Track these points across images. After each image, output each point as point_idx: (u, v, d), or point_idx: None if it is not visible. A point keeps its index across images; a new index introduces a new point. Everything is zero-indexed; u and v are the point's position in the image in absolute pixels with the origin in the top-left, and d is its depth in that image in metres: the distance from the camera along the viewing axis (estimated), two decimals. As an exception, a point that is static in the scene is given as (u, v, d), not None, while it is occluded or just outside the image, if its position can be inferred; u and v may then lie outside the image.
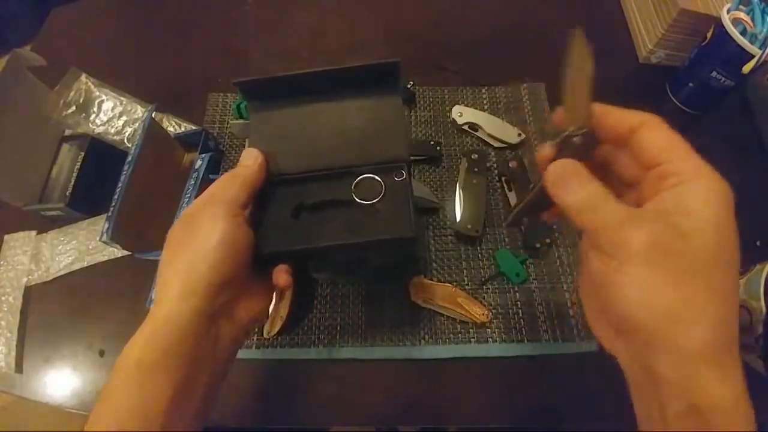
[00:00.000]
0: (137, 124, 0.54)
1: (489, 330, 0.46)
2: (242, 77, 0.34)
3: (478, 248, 0.50)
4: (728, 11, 0.51)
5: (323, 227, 0.33)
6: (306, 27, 0.68)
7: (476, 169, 0.52)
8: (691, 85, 0.58)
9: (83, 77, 0.55)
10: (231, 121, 0.56)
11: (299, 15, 0.69)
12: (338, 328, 0.46)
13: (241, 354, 0.44)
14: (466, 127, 0.57)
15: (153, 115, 0.49)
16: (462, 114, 0.56)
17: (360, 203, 0.34)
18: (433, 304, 0.46)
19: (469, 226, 0.49)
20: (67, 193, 0.50)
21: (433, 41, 0.66)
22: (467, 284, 0.48)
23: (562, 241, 0.50)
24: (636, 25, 0.66)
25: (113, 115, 0.55)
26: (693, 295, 0.20)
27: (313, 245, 0.33)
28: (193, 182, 0.48)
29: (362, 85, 0.35)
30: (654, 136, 0.23)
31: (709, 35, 0.54)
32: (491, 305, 0.47)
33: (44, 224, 0.52)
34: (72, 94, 0.54)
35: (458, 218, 0.50)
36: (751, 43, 0.50)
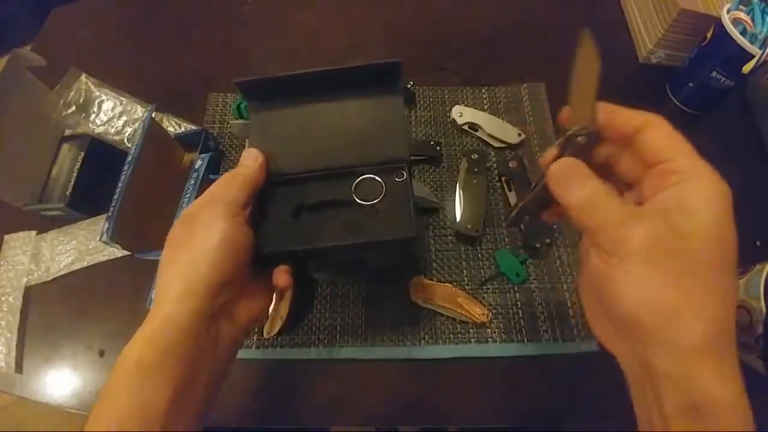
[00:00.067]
0: (137, 124, 0.54)
1: (489, 330, 0.46)
2: (242, 77, 0.34)
3: (478, 248, 0.50)
4: (728, 11, 0.51)
5: (323, 227, 0.33)
6: (306, 27, 0.68)
7: (476, 169, 0.52)
8: (691, 85, 0.58)
9: (83, 77, 0.55)
10: (231, 121, 0.56)
11: (299, 15, 0.69)
12: (338, 328, 0.46)
13: (241, 354, 0.44)
14: (466, 127, 0.57)
15: (153, 115, 0.49)
16: (462, 114, 0.56)
17: (360, 203, 0.34)
18: (433, 304, 0.46)
19: (469, 226, 0.49)
20: (67, 193, 0.50)
21: (433, 41, 0.66)
22: (467, 284, 0.48)
23: (562, 241, 0.50)
24: (636, 25, 0.66)
25: (113, 115, 0.55)
26: (692, 293, 0.20)
27: (313, 245, 0.33)
28: (193, 182, 0.48)
29: (363, 85, 0.35)
30: (657, 136, 0.23)
31: (709, 35, 0.54)
32: (491, 305, 0.47)
33: (44, 224, 0.52)
34: (72, 94, 0.54)
35: (458, 218, 0.50)
36: (751, 43, 0.50)
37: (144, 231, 0.46)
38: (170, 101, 0.58)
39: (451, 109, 0.57)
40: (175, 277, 0.28)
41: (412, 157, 0.40)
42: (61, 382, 0.46)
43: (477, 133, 0.57)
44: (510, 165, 0.53)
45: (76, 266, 0.50)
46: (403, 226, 0.33)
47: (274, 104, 0.36)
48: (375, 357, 0.45)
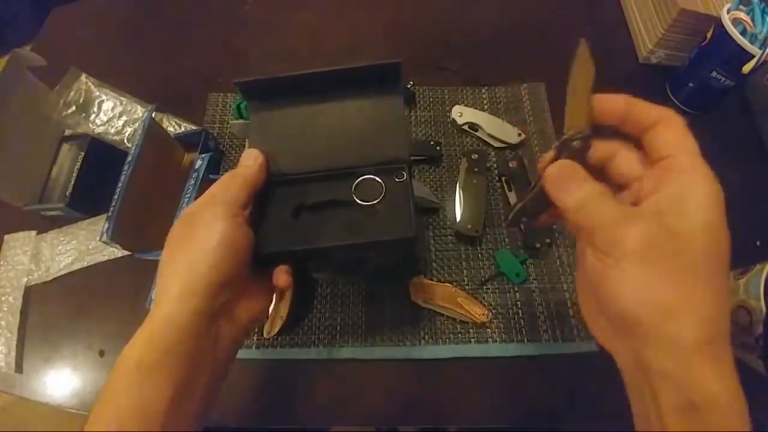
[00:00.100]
0: (137, 124, 0.54)
1: (489, 330, 0.46)
2: (242, 77, 0.34)
3: (478, 248, 0.50)
4: (728, 11, 0.51)
5: (323, 228, 0.33)
6: (306, 27, 0.68)
7: (476, 169, 0.52)
8: (691, 85, 0.58)
9: (83, 77, 0.55)
10: (231, 121, 0.56)
11: (299, 15, 0.69)
12: (338, 328, 0.46)
13: (241, 354, 0.44)
14: (466, 127, 0.57)
15: (153, 115, 0.49)
16: (462, 114, 0.56)
17: (360, 204, 0.34)
18: (433, 304, 0.46)
19: (469, 226, 0.49)
20: (67, 193, 0.50)
21: (433, 41, 0.66)
22: (467, 284, 0.48)
23: (562, 241, 0.50)
24: (636, 25, 0.66)
25: (113, 115, 0.55)
26: (688, 292, 0.21)
27: (313, 246, 0.33)
28: (193, 182, 0.48)
29: (363, 86, 0.35)
30: (669, 132, 0.24)
31: (709, 35, 0.54)
32: (491, 305, 0.47)
33: (44, 224, 0.52)
34: (72, 94, 0.54)
35: (458, 218, 0.50)
36: (751, 43, 0.50)
37: (144, 231, 0.46)
38: (170, 101, 0.58)
39: (451, 109, 0.57)
40: (175, 277, 0.28)
41: (412, 157, 0.40)
42: (61, 382, 0.46)
43: (477, 133, 0.57)
44: (510, 165, 0.53)
45: (76, 266, 0.50)
46: (403, 226, 0.33)
47: (274, 104, 0.36)
48: (375, 357, 0.45)
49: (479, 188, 0.51)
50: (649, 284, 0.21)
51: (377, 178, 0.34)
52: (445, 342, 0.46)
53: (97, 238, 0.49)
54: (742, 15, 0.51)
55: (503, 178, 0.53)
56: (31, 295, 0.49)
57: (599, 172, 0.26)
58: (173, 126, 0.57)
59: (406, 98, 0.59)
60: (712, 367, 0.20)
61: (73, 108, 0.53)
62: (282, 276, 0.33)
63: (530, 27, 0.67)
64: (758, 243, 0.51)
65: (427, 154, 0.55)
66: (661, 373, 0.21)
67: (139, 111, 0.55)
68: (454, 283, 0.48)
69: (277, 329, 0.44)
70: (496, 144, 0.56)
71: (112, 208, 0.44)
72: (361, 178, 0.34)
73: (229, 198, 0.30)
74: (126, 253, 0.48)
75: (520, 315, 0.47)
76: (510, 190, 0.53)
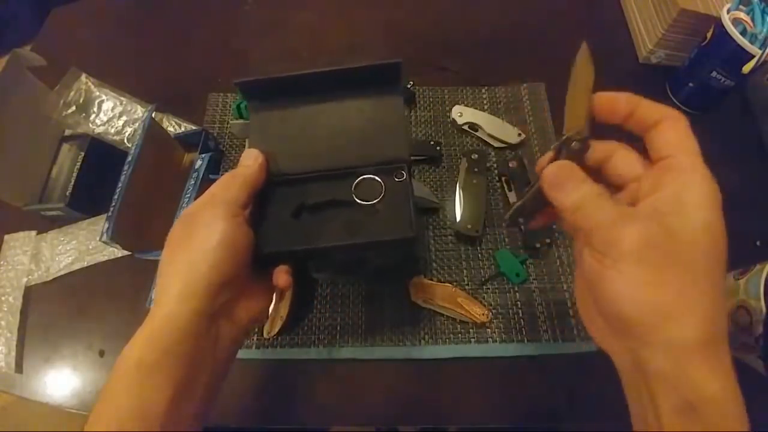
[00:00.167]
0: (137, 124, 0.54)
1: (489, 330, 0.46)
2: (242, 77, 0.34)
3: (478, 248, 0.50)
4: (728, 11, 0.51)
5: (323, 227, 0.33)
6: (306, 27, 0.68)
7: (476, 169, 0.52)
8: (691, 85, 0.58)
9: (83, 77, 0.55)
10: (231, 121, 0.56)
11: (299, 15, 0.69)
12: (338, 328, 0.46)
13: (241, 354, 0.44)
14: (466, 127, 0.57)
15: (153, 115, 0.49)
16: (462, 114, 0.56)
17: (360, 203, 0.34)
18: (433, 304, 0.46)
19: (469, 226, 0.49)
20: (67, 193, 0.50)
21: (433, 41, 0.66)
22: (467, 284, 0.48)
23: (562, 241, 0.50)
24: (636, 25, 0.66)
25: (113, 115, 0.55)
26: (685, 293, 0.20)
27: (313, 246, 0.33)
28: (193, 182, 0.48)
29: (363, 86, 0.35)
30: (671, 132, 0.24)
31: (709, 35, 0.54)
32: (491, 305, 0.47)
33: (44, 224, 0.52)
34: (72, 94, 0.54)
35: (458, 218, 0.50)
36: (751, 43, 0.50)
37: (144, 231, 0.46)
38: (170, 101, 0.58)
39: (451, 109, 0.57)
40: (175, 277, 0.28)
41: (412, 157, 0.40)
42: (61, 382, 0.46)
43: (477, 133, 0.57)
44: (510, 165, 0.53)
45: (76, 266, 0.50)
46: (403, 226, 0.33)
47: (274, 104, 0.36)
48: (375, 357, 0.45)
49: (479, 188, 0.51)
50: (647, 285, 0.21)
51: (377, 178, 0.34)
52: (445, 342, 0.46)
53: (97, 238, 0.49)
54: (742, 15, 0.51)
55: (503, 178, 0.53)
56: (31, 295, 0.49)
57: (596, 173, 0.26)
58: (173, 126, 0.57)
59: (406, 98, 0.59)
60: (709, 367, 0.20)
61: (73, 108, 0.53)
62: (282, 276, 0.33)
63: (530, 27, 0.67)
64: (758, 243, 0.51)
65: (427, 154, 0.55)
66: (658, 373, 0.21)
67: (139, 111, 0.55)
68: (454, 283, 0.48)
69: (277, 329, 0.44)
70: (496, 144, 0.56)
71: (112, 208, 0.44)
72: (361, 177, 0.34)
73: (229, 198, 0.30)
74: (126, 253, 0.48)
75: (520, 315, 0.47)
76: (510, 190, 0.53)
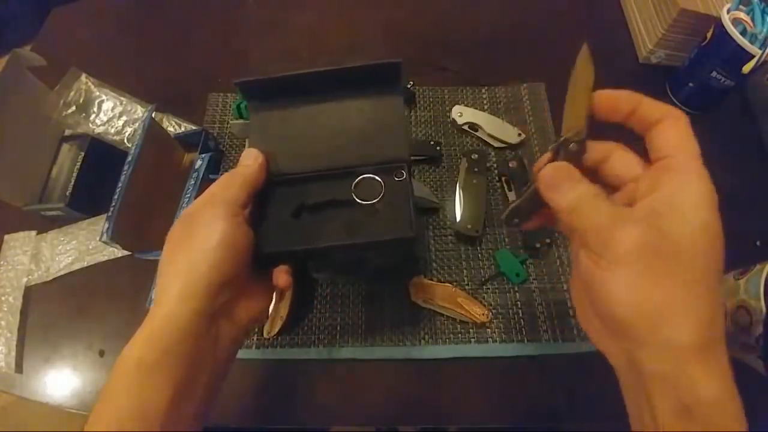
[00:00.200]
0: (137, 124, 0.54)
1: (489, 330, 0.46)
2: (242, 77, 0.34)
3: (478, 248, 0.50)
4: (728, 11, 0.51)
5: (323, 227, 0.33)
6: (306, 27, 0.68)
7: (476, 169, 0.52)
8: (691, 85, 0.58)
9: (83, 77, 0.55)
10: (231, 121, 0.56)
11: (299, 15, 0.69)
12: (338, 328, 0.46)
13: (241, 354, 0.44)
14: (466, 127, 0.57)
15: (153, 115, 0.49)
16: (462, 114, 0.56)
17: (360, 203, 0.34)
18: (433, 304, 0.46)
19: (469, 226, 0.49)
20: (67, 193, 0.50)
21: (433, 41, 0.66)
22: (467, 284, 0.48)
23: (562, 241, 0.50)
24: (636, 25, 0.66)
25: (113, 115, 0.55)
26: (680, 295, 0.20)
27: (313, 245, 0.33)
28: (193, 182, 0.48)
29: (363, 85, 0.35)
30: (671, 132, 0.23)
31: (709, 35, 0.54)
32: (491, 305, 0.47)
33: (44, 224, 0.52)
34: (72, 94, 0.54)
35: (458, 218, 0.50)
36: (751, 43, 0.50)
37: (144, 231, 0.46)
38: (170, 101, 0.58)
39: (451, 109, 0.57)
40: (175, 277, 0.28)
41: (412, 157, 0.40)
42: (61, 382, 0.46)
43: (477, 133, 0.57)
44: (510, 165, 0.53)
45: (76, 266, 0.50)
46: (403, 226, 0.33)
47: (274, 104, 0.36)
48: (375, 357, 0.45)
49: (479, 188, 0.51)
50: (642, 287, 0.21)
51: (377, 178, 0.34)
52: (445, 342, 0.46)
53: (97, 238, 0.49)
54: (742, 15, 0.51)
55: (503, 178, 0.53)
56: (31, 295, 0.49)
57: (594, 174, 0.26)
58: (173, 126, 0.57)
59: (406, 98, 0.59)
60: (706, 369, 0.20)
61: (73, 108, 0.53)
62: (282, 276, 0.33)
63: (530, 27, 0.67)
64: (758, 243, 0.51)
65: (427, 154, 0.55)
66: (654, 375, 0.21)
67: (139, 111, 0.55)
68: (454, 283, 0.48)
69: (277, 329, 0.44)
70: (496, 144, 0.56)
71: (112, 208, 0.44)
72: (361, 177, 0.34)
73: (229, 197, 0.30)
74: (126, 253, 0.48)
75: (520, 315, 0.47)
76: (510, 190, 0.53)
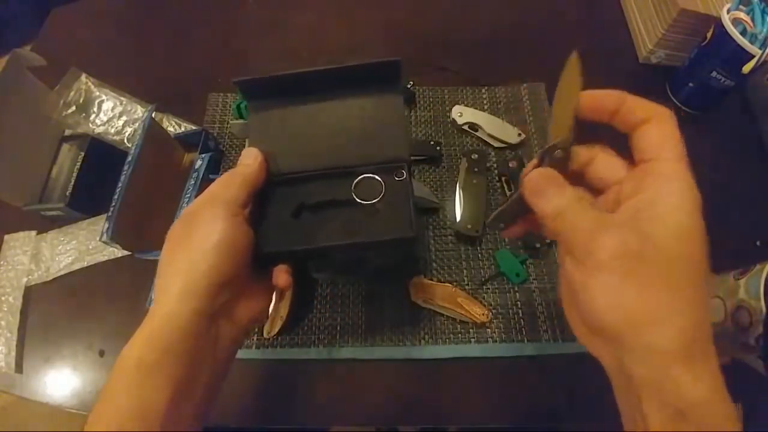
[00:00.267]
0: (137, 124, 0.54)
1: (489, 330, 0.46)
2: (242, 77, 0.34)
3: (478, 248, 0.50)
4: (728, 11, 0.51)
5: (323, 227, 0.33)
6: (306, 27, 0.68)
7: (476, 169, 0.52)
8: (691, 85, 0.58)
9: (83, 77, 0.55)
10: (231, 121, 0.56)
11: (299, 15, 0.69)
12: (338, 328, 0.46)
13: (241, 354, 0.44)
14: (466, 127, 0.57)
15: (153, 115, 0.49)
16: (462, 114, 0.56)
17: (360, 203, 0.34)
18: (433, 304, 0.46)
19: (469, 226, 0.49)
20: (67, 193, 0.50)
21: (433, 41, 0.66)
22: (467, 284, 0.48)
23: (562, 241, 0.50)
24: (636, 25, 0.66)
25: (113, 115, 0.55)
26: (662, 300, 0.20)
27: (313, 245, 0.33)
28: (193, 182, 0.48)
29: (363, 85, 0.35)
30: (655, 132, 0.23)
31: (709, 35, 0.54)
32: (491, 305, 0.47)
33: (44, 224, 0.52)
34: (72, 94, 0.54)
35: (458, 218, 0.50)
36: (751, 43, 0.50)
37: (144, 231, 0.46)
38: (170, 101, 0.58)
39: (451, 109, 0.57)
40: (175, 277, 0.28)
41: (412, 157, 0.40)
42: (61, 382, 0.45)
43: (477, 133, 0.57)
44: (510, 165, 0.53)
45: (76, 266, 0.50)
46: (403, 226, 0.33)
47: (274, 104, 0.36)
48: (375, 357, 0.45)
49: (479, 188, 0.51)
50: (625, 292, 0.21)
51: (377, 177, 0.34)
52: (445, 342, 0.46)
53: (97, 238, 0.49)
54: (742, 15, 0.51)
55: (503, 178, 0.53)
56: (31, 295, 0.49)
57: (579, 177, 0.26)
58: (173, 126, 0.57)
59: (406, 98, 0.59)
60: (692, 372, 0.20)
61: (73, 108, 0.53)
62: (282, 276, 0.33)
63: (530, 27, 0.67)
64: (758, 243, 0.51)
65: (427, 154, 0.55)
66: (642, 380, 0.21)
67: (139, 111, 0.55)
68: (454, 283, 0.48)
69: (277, 329, 0.44)
70: (496, 144, 0.56)
71: (112, 208, 0.44)
72: (361, 177, 0.34)
73: (229, 197, 0.30)
74: (126, 253, 0.48)
75: (520, 315, 0.47)
76: (510, 190, 0.53)
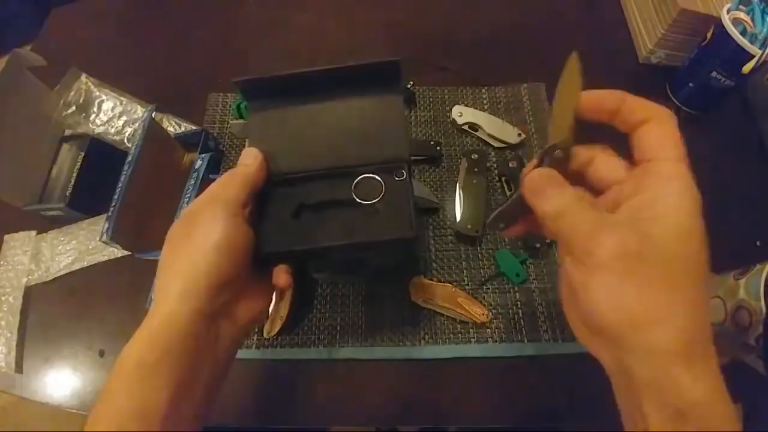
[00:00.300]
0: (137, 124, 0.54)
1: (489, 330, 0.46)
2: (242, 77, 0.34)
3: (478, 248, 0.50)
4: (728, 11, 0.51)
5: (323, 227, 0.33)
6: (306, 27, 0.68)
7: (476, 169, 0.52)
8: (691, 85, 0.58)
9: (83, 77, 0.55)
10: (231, 121, 0.56)
11: (299, 15, 0.69)
12: (338, 328, 0.46)
13: (241, 354, 0.44)
14: (466, 127, 0.57)
15: (153, 115, 0.49)
16: (462, 114, 0.56)
17: (360, 203, 0.33)
18: (433, 304, 0.46)
19: (469, 226, 0.49)
20: (67, 193, 0.50)
21: (432, 41, 0.66)
22: (467, 284, 0.48)
23: (562, 241, 0.50)
24: (636, 25, 0.66)
25: (113, 115, 0.55)
26: (661, 300, 0.20)
27: (313, 245, 0.33)
28: (193, 182, 0.48)
29: (363, 85, 0.35)
30: (655, 133, 0.23)
31: (709, 35, 0.54)
32: (491, 305, 0.47)
33: (44, 224, 0.52)
34: (72, 94, 0.54)
35: (458, 218, 0.50)
36: (751, 43, 0.50)
37: (144, 231, 0.46)
38: (170, 101, 0.58)
39: (451, 109, 0.57)
40: (175, 277, 0.28)
41: (412, 157, 0.40)
42: (61, 382, 0.46)
43: (477, 133, 0.57)
44: (510, 165, 0.53)
45: (76, 266, 0.50)
46: (403, 226, 0.33)
47: (274, 104, 0.36)
48: (375, 357, 0.45)
49: (479, 188, 0.51)
50: (624, 292, 0.21)
51: (377, 177, 0.34)
52: (445, 342, 0.46)
53: (97, 238, 0.49)
54: (742, 15, 0.51)
55: (503, 178, 0.53)
56: (31, 295, 0.49)
57: (580, 177, 0.26)
58: (173, 126, 0.57)
59: (406, 98, 0.59)
60: (693, 372, 0.20)
61: (73, 108, 0.53)
62: (282, 276, 0.33)
63: (530, 27, 0.67)
64: (758, 243, 0.51)
65: (427, 154, 0.55)
66: (642, 380, 0.21)
67: (139, 111, 0.55)
68: (454, 283, 0.48)
69: (277, 329, 0.44)
70: (496, 144, 0.56)
71: (112, 208, 0.44)
72: (361, 177, 0.34)
73: (229, 197, 0.30)
74: (126, 253, 0.48)
75: (520, 315, 0.47)
76: (510, 190, 0.53)
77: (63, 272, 0.50)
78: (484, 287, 0.48)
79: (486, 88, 0.61)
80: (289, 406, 0.44)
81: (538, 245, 0.49)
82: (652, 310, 0.20)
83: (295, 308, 0.46)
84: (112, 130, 0.54)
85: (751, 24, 0.50)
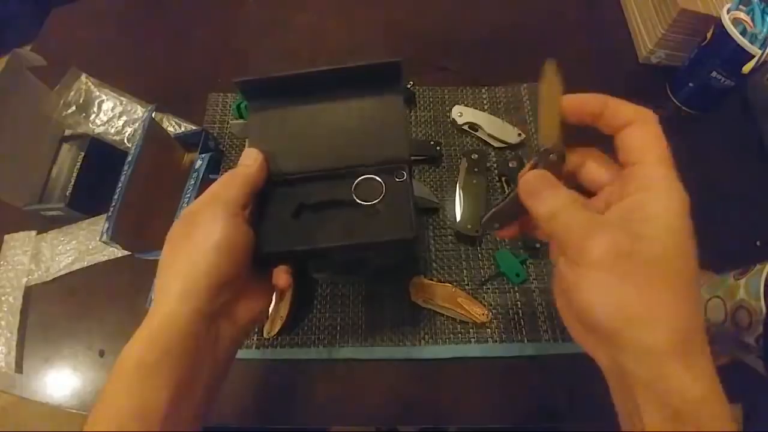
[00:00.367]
0: (137, 124, 0.54)
1: (489, 330, 0.46)
2: (242, 77, 0.34)
3: (478, 248, 0.50)
4: (728, 11, 0.51)
5: (323, 228, 0.33)
6: (306, 27, 0.68)
7: (476, 169, 0.52)
8: (691, 85, 0.58)
9: (83, 77, 0.55)
10: (231, 121, 0.56)
11: (299, 15, 0.69)
12: (338, 328, 0.46)
13: (241, 354, 0.44)
14: (466, 127, 0.57)
15: (153, 115, 0.49)
16: (462, 114, 0.56)
17: (360, 204, 0.34)
18: (433, 304, 0.46)
19: (469, 226, 0.49)
20: (67, 193, 0.50)
21: (432, 41, 0.66)
22: (467, 284, 0.48)
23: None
24: (636, 25, 0.66)
25: (113, 115, 0.55)
26: (653, 299, 0.21)
27: (313, 246, 0.33)
28: (193, 182, 0.48)
29: (363, 85, 0.35)
30: (638, 135, 0.24)
31: (709, 35, 0.54)
32: (491, 305, 0.47)
33: (44, 224, 0.52)
34: (72, 94, 0.54)
35: (458, 218, 0.50)
36: (751, 43, 0.50)
37: (144, 231, 0.46)
38: (170, 101, 0.58)
39: (451, 109, 0.57)
40: (175, 277, 0.28)
41: (412, 157, 0.40)
42: (61, 382, 0.46)
43: (477, 133, 0.57)
44: (510, 165, 0.53)
45: (76, 266, 0.50)
46: (403, 227, 0.33)
47: (274, 104, 0.36)
48: (375, 357, 0.45)
49: (479, 188, 0.51)
50: (616, 292, 0.21)
51: (377, 178, 0.34)
52: (445, 342, 0.46)
53: (97, 238, 0.49)
54: (742, 15, 0.51)
55: (503, 178, 0.53)
56: (31, 295, 0.49)
57: (573, 179, 0.27)
58: (173, 126, 0.57)
59: (406, 98, 0.59)
60: (687, 372, 0.20)
61: (73, 108, 0.53)
62: (282, 276, 0.33)
63: (530, 27, 0.67)
64: (758, 243, 0.51)
65: (427, 154, 0.55)
66: (638, 379, 0.21)
67: (139, 111, 0.55)
68: (454, 283, 0.48)
69: (277, 329, 0.44)
70: (496, 144, 0.56)
71: (112, 208, 0.44)
72: (361, 177, 0.34)
73: (230, 197, 0.30)
74: (126, 253, 0.48)
75: (520, 315, 0.47)
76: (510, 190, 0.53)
77: (63, 272, 0.50)
78: (484, 287, 0.48)
79: (486, 88, 0.61)
80: (289, 406, 0.44)
81: (538, 245, 0.49)
82: (645, 309, 0.20)
83: (295, 308, 0.46)
84: (112, 130, 0.54)
85: (751, 24, 0.50)
